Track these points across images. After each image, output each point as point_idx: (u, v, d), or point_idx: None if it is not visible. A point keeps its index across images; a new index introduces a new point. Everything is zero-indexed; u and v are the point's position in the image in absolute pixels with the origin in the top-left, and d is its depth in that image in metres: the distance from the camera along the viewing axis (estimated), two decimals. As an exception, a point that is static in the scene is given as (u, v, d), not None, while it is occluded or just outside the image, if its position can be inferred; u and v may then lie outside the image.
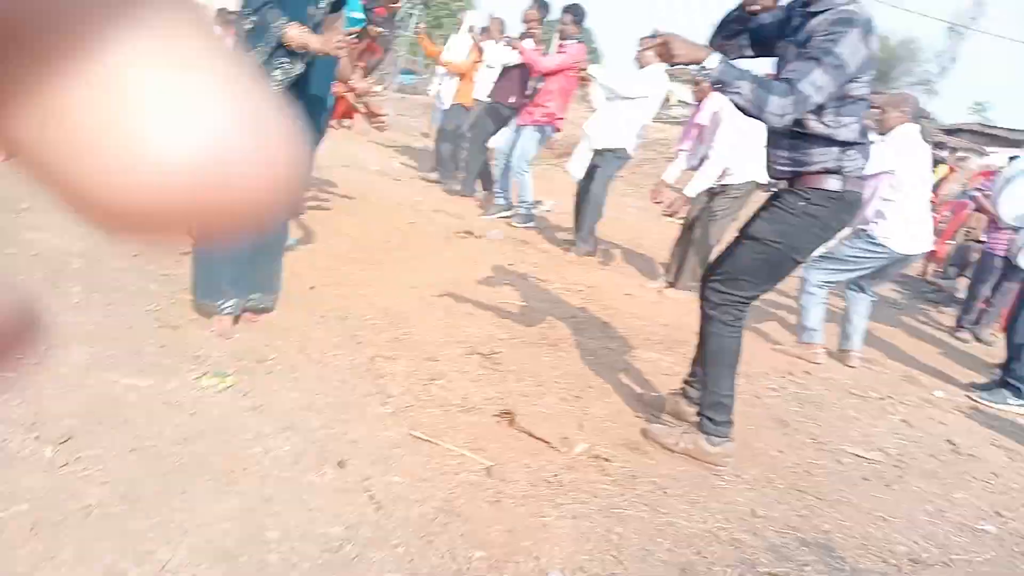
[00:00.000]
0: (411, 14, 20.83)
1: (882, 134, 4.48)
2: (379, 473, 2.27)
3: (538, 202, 7.33)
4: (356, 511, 2.05)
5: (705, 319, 2.89)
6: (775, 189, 2.85)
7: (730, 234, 3.15)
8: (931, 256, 8.11)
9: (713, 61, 2.41)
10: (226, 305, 2.97)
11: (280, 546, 1.83)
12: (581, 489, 2.44)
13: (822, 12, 2.52)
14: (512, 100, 6.98)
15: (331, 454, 2.30)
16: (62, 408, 2.16)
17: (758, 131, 2.98)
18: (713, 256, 2.98)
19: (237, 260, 3.01)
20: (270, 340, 3.03)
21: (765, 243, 2.73)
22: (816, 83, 2.39)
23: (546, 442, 2.68)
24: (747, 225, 2.85)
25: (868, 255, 4.50)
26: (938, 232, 8.29)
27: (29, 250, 3.32)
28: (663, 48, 2.42)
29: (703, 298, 2.90)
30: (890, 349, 5.14)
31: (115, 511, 1.79)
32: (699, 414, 2.90)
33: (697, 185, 5.02)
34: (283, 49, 2.78)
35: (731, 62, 2.45)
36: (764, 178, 3.20)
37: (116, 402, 2.27)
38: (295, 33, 2.74)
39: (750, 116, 2.49)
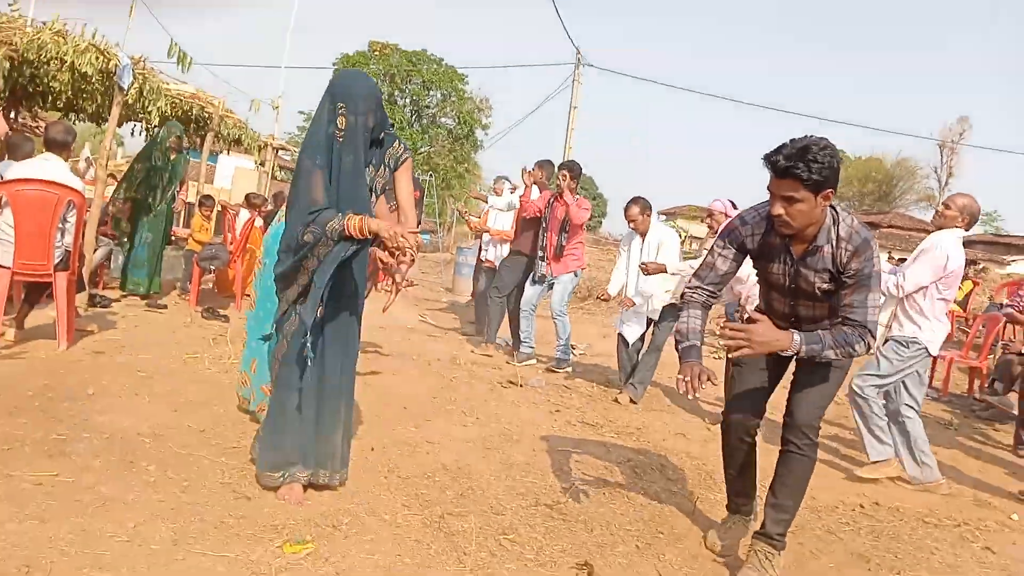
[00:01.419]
0: (424, 179, 21.91)
1: (938, 228, 4.56)
2: (468, 634, 2.24)
3: (574, 346, 7.46)
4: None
5: (796, 460, 2.97)
6: None
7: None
8: (974, 373, 8.03)
9: (796, 344, 2.71)
10: (292, 474, 3.02)
11: None
12: (673, 639, 2.38)
13: (841, 243, 2.78)
14: (530, 250, 7.35)
15: (419, 617, 2.28)
16: (158, 586, 2.19)
17: None
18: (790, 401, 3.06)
19: (305, 432, 3.08)
20: (340, 504, 3.05)
21: (841, 367, 2.99)
22: (877, 303, 2.76)
23: (629, 592, 2.64)
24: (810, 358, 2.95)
25: (911, 359, 4.47)
26: (976, 348, 8.26)
27: (102, 433, 3.42)
28: (745, 342, 2.65)
29: (792, 442, 2.98)
30: (954, 473, 5.01)
31: None
32: (782, 537, 2.98)
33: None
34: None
35: (807, 336, 2.71)
36: None
37: (208, 574, 2.29)
38: (358, 224, 2.88)
39: None
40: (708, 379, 2.74)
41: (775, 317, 3.07)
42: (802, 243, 2.82)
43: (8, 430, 3.27)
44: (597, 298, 6.23)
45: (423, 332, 8.29)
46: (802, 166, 2.58)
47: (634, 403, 5.93)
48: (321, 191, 2.93)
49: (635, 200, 6.18)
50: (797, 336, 2.69)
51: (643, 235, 6.16)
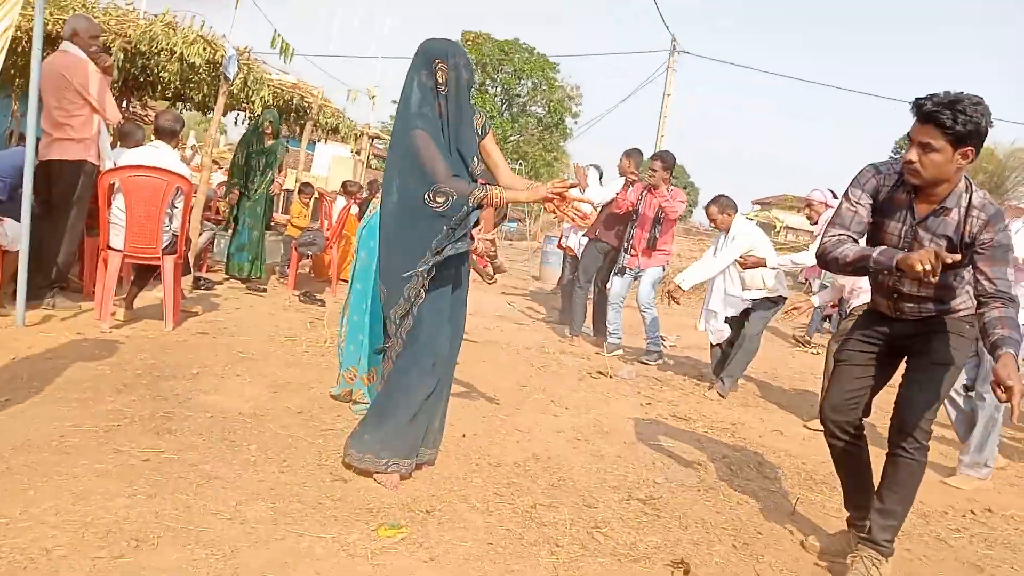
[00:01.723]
0: (513, 167, 21.95)
1: None
2: (561, 628, 2.20)
3: (663, 338, 7.32)
4: (548, 670, 1.98)
5: (905, 464, 2.81)
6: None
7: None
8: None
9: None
10: (396, 463, 3.04)
11: None
12: (774, 645, 2.29)
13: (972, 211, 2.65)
14: (615, 240, 7.25)
15: (512, 608, 2.26)
16: (258, 562, 2.24)
17: None
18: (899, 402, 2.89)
19: (417, 424, 3.10)
20: (433, 490, 3.06)
21: (955, 366, 2.83)
22: (1012, 277, 2.63)
23: (727, 593, 2.55)
24: (927, 355, 2.82)
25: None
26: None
27: (205, 412, 3.54)
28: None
29: (900, 446, 2.81)
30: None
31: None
32: (891, 543, 2.84)
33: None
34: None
35: (1010, 339, 2.52)
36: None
37: (305, 555, 2.33)
38: (499, 194, 2.88)
39: None
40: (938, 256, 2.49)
41: (877, 293, 2.93)
42: (929, 202, 2.68)
43: (118, 407, 3.41)
44: (667, 293, 6.06)
45: (511, 320, 8.29)
46: (948, 114, 2.46)
47: (722, 397, 5.77)
48: (437, 153, 2.89)
49: (714, 199, 6.06)
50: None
51: (726, 233, 5.98)
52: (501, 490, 3.21)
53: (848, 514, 3.14)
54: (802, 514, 3.49)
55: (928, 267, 2.39)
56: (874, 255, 2.62)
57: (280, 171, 7.69)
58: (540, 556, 2.65)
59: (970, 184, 2.65)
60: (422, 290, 2.96)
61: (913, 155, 2.58)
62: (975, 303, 2.70)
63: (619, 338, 7.04)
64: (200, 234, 7.42)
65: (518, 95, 36.40)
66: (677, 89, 20.12)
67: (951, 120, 2.46)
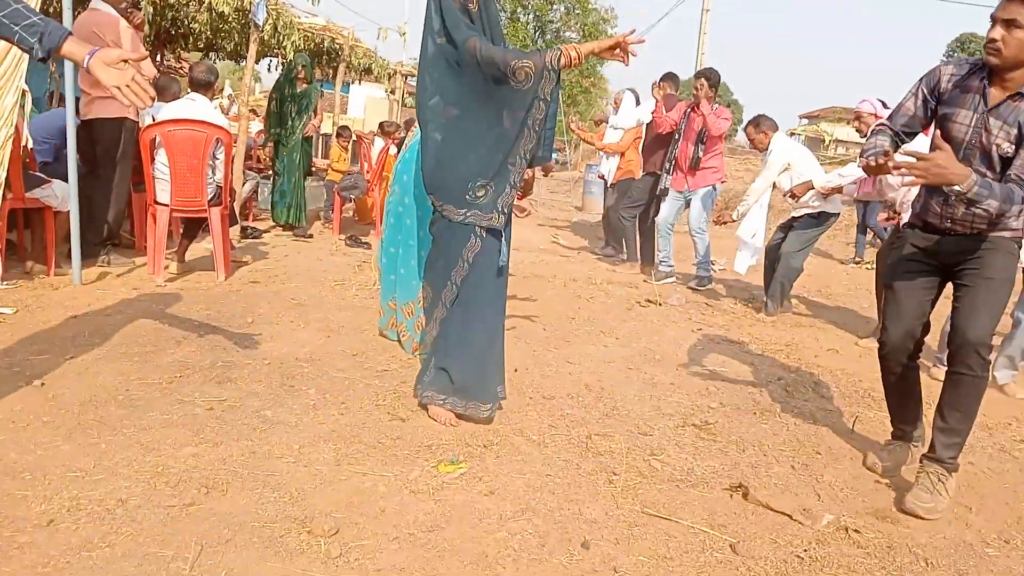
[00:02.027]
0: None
1: None
2: (623, 553, 2.24)
3: (714, 262, 7.23)
4: (612, 595, 2.02)
5: (968, 382, 2.73)
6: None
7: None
8: None
9: (971, 182, 2.44)
10: (452, 401, 3.06)
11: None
12: (837, 564, 2.29)
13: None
14: (657, 167, 7.17)
15: (573, 535, 2.30)
16: (325, 503, 2.30)
17: None
18: (955, 319, 2.81)
19: (484, 360, 3.09)
20: (489, 425, 3.10)
21: (1007, 280, 2.74)
22: None
23: (787, 515, 2.55)
24: (979, 272, 2.73)
25: None
26: None
27: (263, 359, 3.61)
28: (921, 172, 2.44)
29: (963, 363, 2.72)
30: None
31: (391, 602, 1.86)
32: (951, 459, 2.78)
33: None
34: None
35: (983, 183, 2.46)
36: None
37: (370, 494, 2.39)
38: (573, 50, 2.82)
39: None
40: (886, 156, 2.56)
41: (930, 194, 2.83)
42: (1004, 88, 2.60)
43: (178, 358, 3.51)
44: (717, 222, 6.14)
45: (556, 253, 8.26)
46: None
47: (770, 316, 5.70)
48: (492, 46, 2.83)
49: (751, 120, 6.09)
50: (974, 177, 2.44)
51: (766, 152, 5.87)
52: (556, 422, 3.24)
53: (896, 427, 3.13)
54: (861, 433, 3.46)
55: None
56: (867, 153, 2.66)
57: (316, 115, 7.66)
58: (598, 485, 2.68)
59: None
60: (511, 199, 2.93)
61: (997, 33, 2.51)
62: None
63: (670, 265, 6.96)
64: (244, 183, 7.48)
65: (551, 21, 35.42)
66: (716, 3, 19.38)
67: None
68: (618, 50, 2.81)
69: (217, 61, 11.89)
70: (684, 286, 6.67)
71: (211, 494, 2.31)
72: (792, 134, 27.73)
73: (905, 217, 4.81)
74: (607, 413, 3.41)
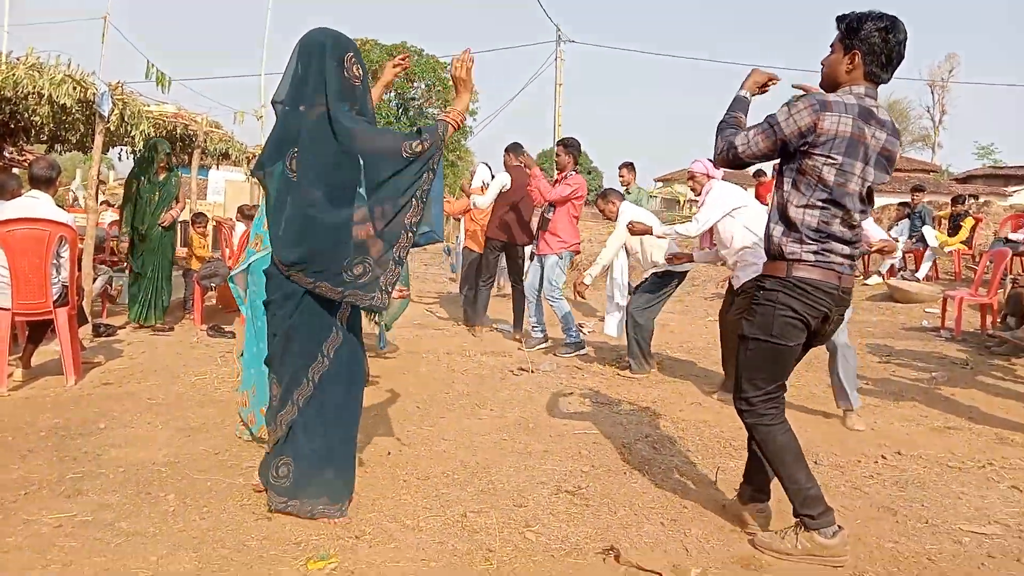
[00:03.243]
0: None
1: None
2: (500, 633, 2.23)
3: (580, 326, 7.42)
4: None
5: (750, 429, 2.93)
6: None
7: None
8: (985, 309, 7.98)
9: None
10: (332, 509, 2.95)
11: None
12: (706, 616, 2.37)
13: None
14: (503, 236, 7.49)
15: (449, 622, 2.27)
16: (184, 619, 2.18)
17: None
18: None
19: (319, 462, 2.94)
20: (362, 513, 3.04)
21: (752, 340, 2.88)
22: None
23: (658, 574, 2.62)
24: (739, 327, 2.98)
25: None
26: (985, 284, 8.20)
27: (118, 467, 3.42)
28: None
29: (737, 411, 2.96)
30: (974, 412, 4.99)
31: None
32: (796, 516, 2.84)
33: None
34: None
35: None
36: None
37: (234, 603, 2.29)
38: (455, 114, 2.90)
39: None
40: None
41: (841, 230, 2.80)
42: None
43: (23, 473, 3.27)
44: (575, 287, 6.51)
45: (430, 327, 8.27)
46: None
47: (636, 375, 5.91)
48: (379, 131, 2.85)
49: (599, 194, 6.58)
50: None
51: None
52: (431, 503, 3.21)
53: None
54: (725, 481, 3.61)
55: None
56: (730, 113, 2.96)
57: (178, 203, 7.40)
58: (475, 564, 2.67)
59: None
60: (397, 271, 2.81)
61: None
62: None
63: (541, 331, 7.09)
64: (94, 279, 7.13)
65: (413, 98, 36.21)
66: (567, 78, 20.38)
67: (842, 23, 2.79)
68: (463, 70, 2.94)
69: (63, 153, 11.39)
70: (554, 354, 6.79)
71: (57, 623, 2.14)
72: (651, 197, 29.24)
73: (742, 276, 5.13)
74: (482, 489, 3.42)
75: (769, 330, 2.81)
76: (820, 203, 2.73)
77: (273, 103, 2.89)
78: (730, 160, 2.85)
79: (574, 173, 7.03)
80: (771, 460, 2.89)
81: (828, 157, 2.67)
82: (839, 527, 2.80)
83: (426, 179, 2.81)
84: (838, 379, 4.65)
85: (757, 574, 2.69)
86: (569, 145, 7.03)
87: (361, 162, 2.77)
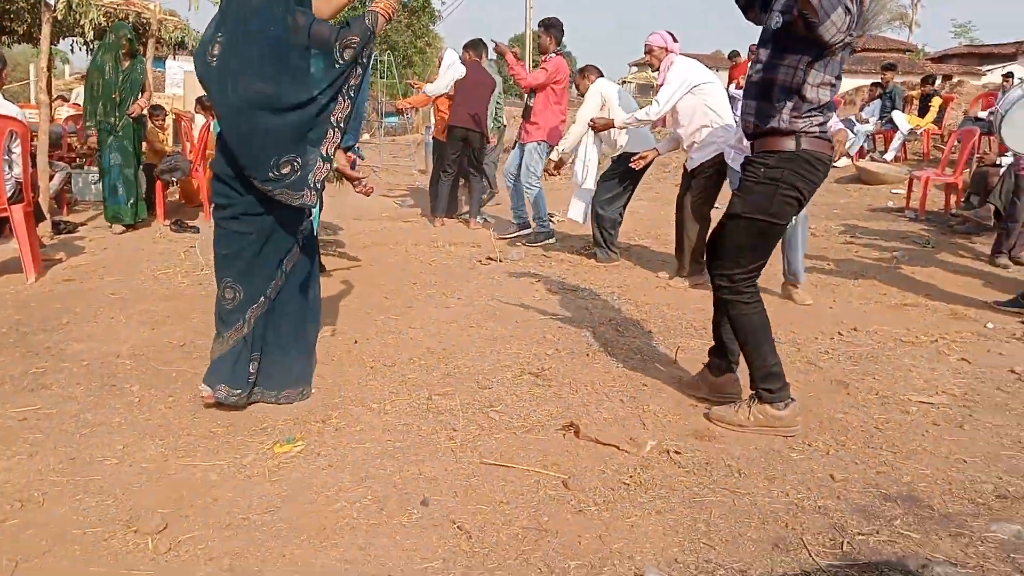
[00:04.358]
0: (381, 60, 21.14)
1: None
2: (461, 504, 2.32)
3: (552, 215, 7.39)
4: (449, 544, 2.10)
5: (725, 304, 2.98)
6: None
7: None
8: (950, 189, 8.05)
9: None
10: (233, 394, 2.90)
11: (386, 592, 1.87)
12: (659, 485, 2.47)
13: None
14: (469, 123, 7.36)
15: (413, 495, 2.35)
16: (152, 500, 2.24)
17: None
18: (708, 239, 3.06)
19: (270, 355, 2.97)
20: (328, 399, 3.09)
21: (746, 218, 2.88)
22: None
23: (615, 446, 2.71)
24: (729, 205, 2.97)
25: None
26: (951, 164, 8.24)
27: (81, 360, 3.42)
28: None
29: (715, 286, 3.00)
30: (931, 289, 5.11)
31: (224, 588, 1.85)
32: (755, 389, 2.94)
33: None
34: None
35: None
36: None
37: (201, 485, 2.35)
38: (385, 5, 2.74)
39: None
40: None
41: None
42: None
43: (-13, 370, 3.27)
44: (546, 173, 6.40)
45: (399, 219, 8.21)
46: None
47: (601, 263, 5.93)
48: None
49: (580, 70, 6.38)
50: None
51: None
52: (396, 388, 3.27)
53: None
54: (685, 360, 3.70)
55: None
56: None
57: (144, 92, 6.96)
58: (439, 443, 2.74)
59: None
60: (324, 173, 2.75)
61: None
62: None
63: (520, 217, 7.06)
64: (51, 177, 6.92)
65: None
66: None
67: None
68: None
69: (11, 46, 10.86)
70: (523, 243, 6.77)
71: (26, 507, 2.19)
72: (623, 82, 28.62)
73: (697, 157, 5.09)
74: (448, 373, 3.48)
75: (767, 209, 2.83)
76: (833, 79, 2.75)
77: None
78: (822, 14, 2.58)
79: (554, 55, 6.79)
80: (742, 336, 2.96)
81: (849, 34, 2.65)
82: (791, 399, 2.90)
83: (354, 75, 2.72)
84: (796, 253, 4.71)
85: (711, 444, 2.79)
86: (550, 26, 6.73)
87: (290, 55, 2.65)
